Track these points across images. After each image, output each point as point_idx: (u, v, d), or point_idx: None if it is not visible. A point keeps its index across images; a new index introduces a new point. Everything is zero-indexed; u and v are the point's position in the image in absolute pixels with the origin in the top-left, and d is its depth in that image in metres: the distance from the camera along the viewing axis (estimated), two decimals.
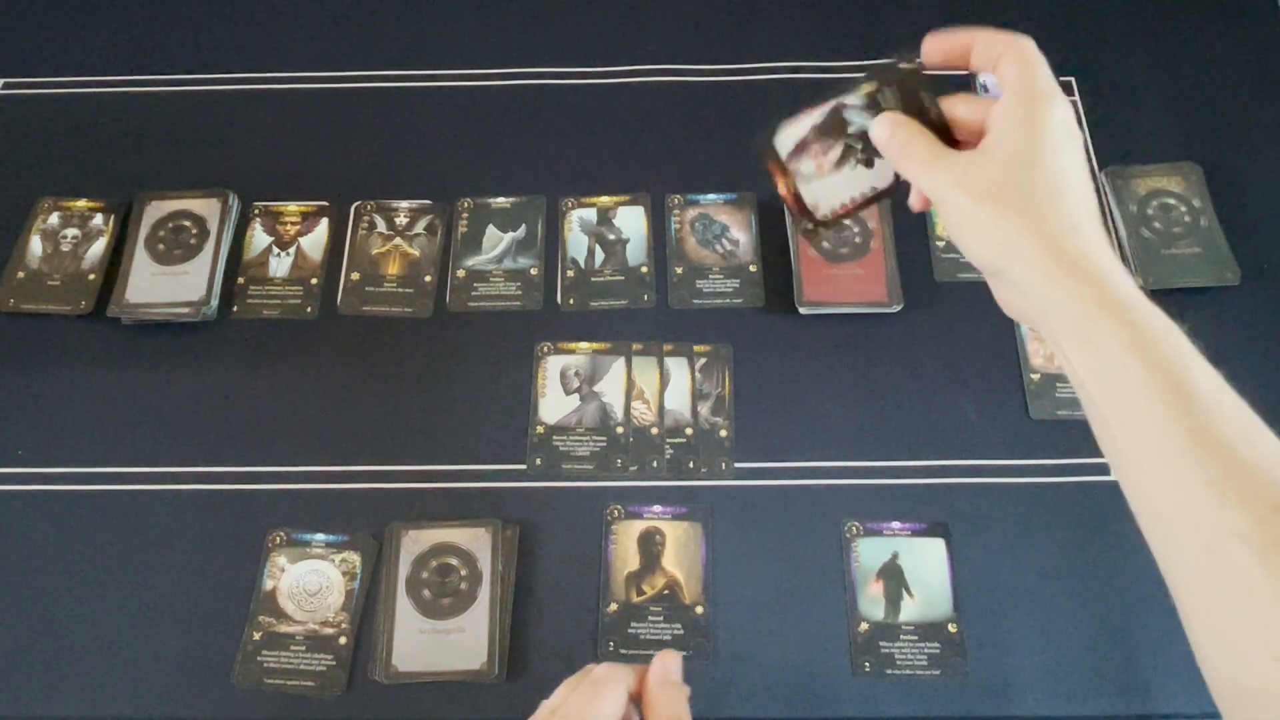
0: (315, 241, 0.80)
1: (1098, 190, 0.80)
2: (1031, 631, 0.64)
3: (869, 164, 0.52)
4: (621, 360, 0.74)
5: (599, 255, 0.79)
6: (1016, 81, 0.45)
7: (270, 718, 0.63)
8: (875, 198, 0.53)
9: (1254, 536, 0.36)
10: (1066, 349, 0.43)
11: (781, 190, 0.54)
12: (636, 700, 0.46)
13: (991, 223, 0.45)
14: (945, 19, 0.98)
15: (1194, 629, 0.39)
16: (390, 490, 0.70)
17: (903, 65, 0.49)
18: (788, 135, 0.53)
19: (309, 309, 0.77)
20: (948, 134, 0.48)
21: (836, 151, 0.52)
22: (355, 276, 0.79)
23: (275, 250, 0.80)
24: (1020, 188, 0.44)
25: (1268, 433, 0.39)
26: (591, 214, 0.81)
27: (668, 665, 0.47)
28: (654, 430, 0.72)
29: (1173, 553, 0.40)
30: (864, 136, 0.51)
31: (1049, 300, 0.43)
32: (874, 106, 0.50)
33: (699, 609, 0.66)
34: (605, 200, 0.81)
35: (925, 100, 0.49)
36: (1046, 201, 0.44)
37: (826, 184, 0.53)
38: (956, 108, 0.48)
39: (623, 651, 0.65)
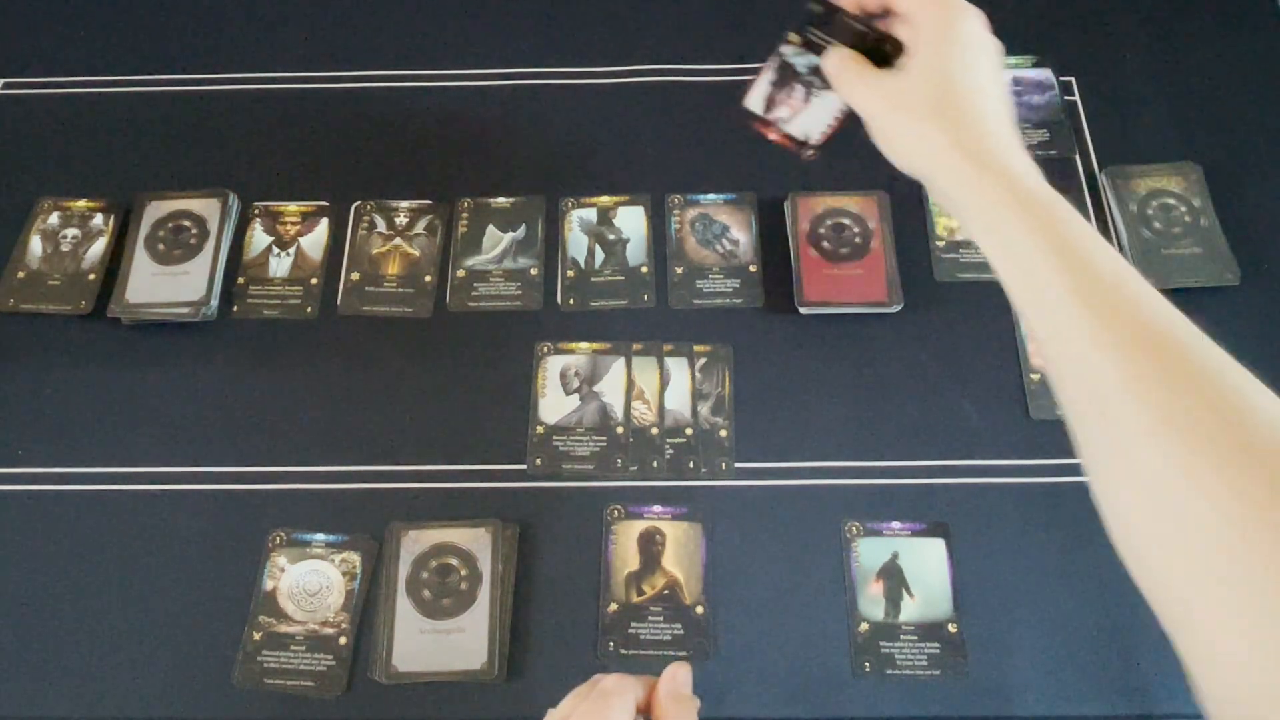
0: (315, 241, 0.80)
1: (1099, 190, 0.80)
2: (1031, 631, 0.64)
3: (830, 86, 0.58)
4: (621, 360, 0.74)
5: (599, 255, 0.79)
6: (922, 8, 0.51)
7: (270, 718, 0.63)
8: (852, 111, 0.57)
9: (1115, 349, 0.40)
10: (979, 238, 0.47)
11: (774, 138, 0.63)
12: (645, 712, 0.46)
13: (912, 133, 0.50)
14: None
15: (1098, 492, 0.41)
16: (390, 490, 0.70)
17: (811, 7, 0.57)
18: (754, 98, 0.62)
19: (309, 309, 0.77)
20: (895, 45, 0.53)
21: (800, 92, 0.61)
22: (355, 276, 0.79)
23: (275, 250, 0.80)
24: (936, 100, 0.49)
25: (1152, 291, 0.42)
26: (591, 214, 0.81)
27: (678, 677, 0.46)
28: (654, 430, 0.72)
29: (1074, 416, 0.42)
30: (816, 70, 0.59)
31: (964, 197, 0.48)
32: (813, 47, 0.58)
33: (699, 609, 0.66)
34: (605, 200, 0.81)
35: (852, 23, 0.56)
36: (961, 110, 0.49)
37: (805, 117, 0.61)
38: (896, 31, 0.53)
39: (623, 651, 0.65)
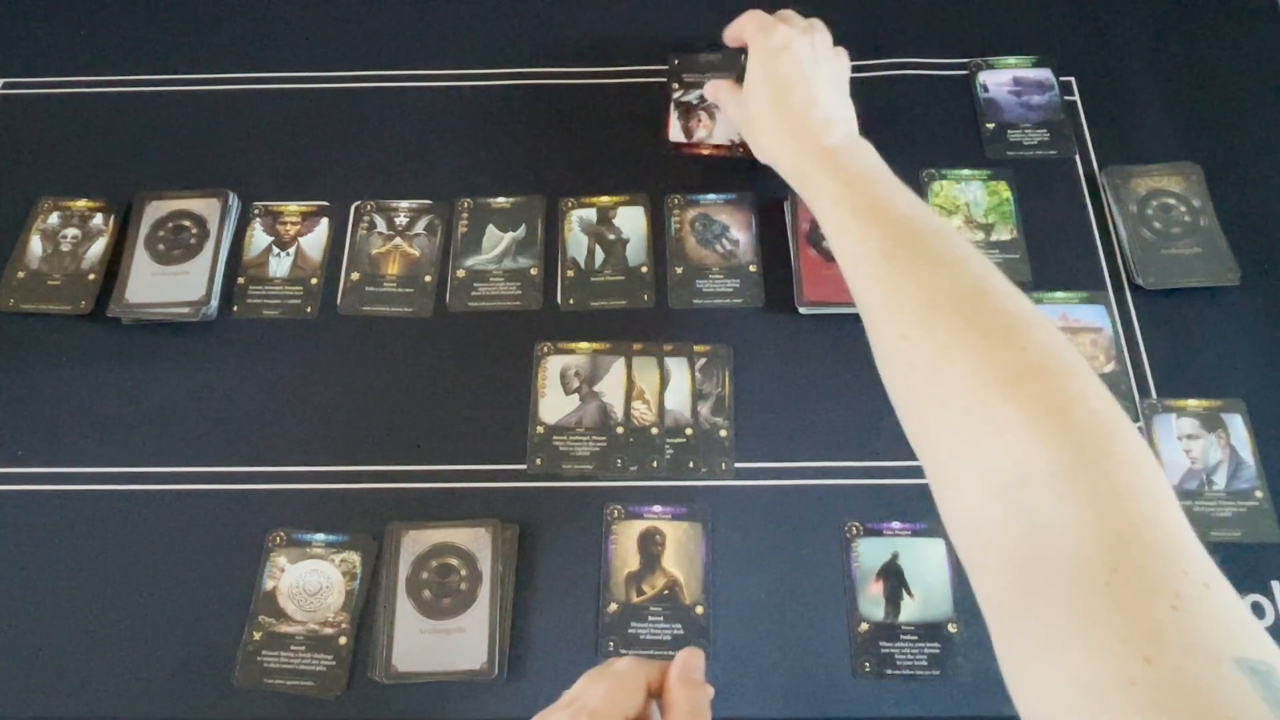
0: (315, 241, 0.80)
1: (1099, 190, 0.80)
2: None
3: None
4: (621, 360, 0.74)
5: (599, 255, 0.79)
6: (751, 36, 0.68)
7: (270, 718, 0.63)
8: None
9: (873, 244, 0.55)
10: (800, 193, 0.63)
11: (707, 153, 0.81)
12: (657, 696, 0.46)
13: (757, 132, 0.68)
14: (940, 18, 0.98)
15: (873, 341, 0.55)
16: (390, 490, 0.70)
17: (674, 62, 0.83)
18: (674, 134, 0.81)
19: (309, 309, 0.77)
20: (745, 53, 0.70)
21: (703, 114, 0.80)
22: (355, 276, 0.79)
23: (275, 250, 0.80)
24: (767, 101, 0.66)
25: (908, 209, 0.55)
26: (591, 214, 0.81)
27: (690, 663, 0.46)
28: (654, 430, 0.72)
29: (861, 314, 0.55)
30: (703, 98, 0.80)
31: (790, 165, 0.64)
32: (694, 85, 0.81)
33: (699, 609, 0.66)
34: (605, 200, 0.81)
35: (705, 57, 0.82)
36: (783, 105, 0.64)
37: (720, 127, 0.80)
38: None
39: (623, 651, 0.65)
